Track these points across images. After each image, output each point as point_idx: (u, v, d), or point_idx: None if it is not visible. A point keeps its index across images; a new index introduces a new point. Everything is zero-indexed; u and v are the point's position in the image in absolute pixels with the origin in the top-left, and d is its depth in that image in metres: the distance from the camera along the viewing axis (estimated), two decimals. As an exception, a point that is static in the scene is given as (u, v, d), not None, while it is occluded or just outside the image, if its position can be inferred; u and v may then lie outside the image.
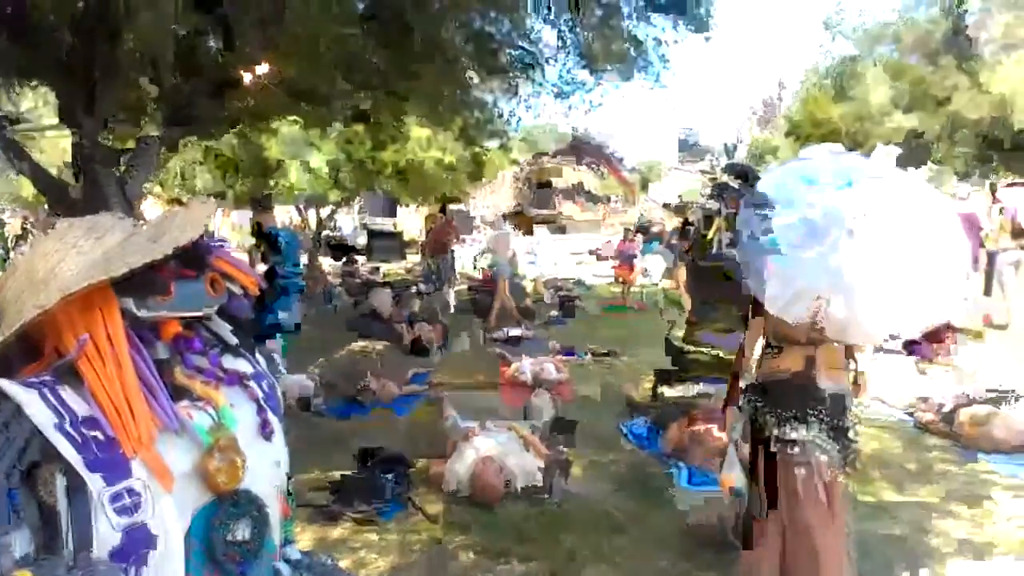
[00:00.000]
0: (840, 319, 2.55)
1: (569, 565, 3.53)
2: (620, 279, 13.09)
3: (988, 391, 5.37)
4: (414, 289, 12.51)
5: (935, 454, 4.79)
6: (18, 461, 1.04)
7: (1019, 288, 8.79)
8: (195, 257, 1.22)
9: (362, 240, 26.40)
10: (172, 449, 1.13)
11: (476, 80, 10.01)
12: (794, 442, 2.67)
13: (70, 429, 1.05)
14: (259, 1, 6.98)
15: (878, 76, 30.21)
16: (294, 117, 12.73)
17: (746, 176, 3.07)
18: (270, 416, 1.30)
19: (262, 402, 1.30)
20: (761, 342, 2.90)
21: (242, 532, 1.21)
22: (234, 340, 1.34)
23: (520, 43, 9.49)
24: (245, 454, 1.20)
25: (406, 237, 29.57)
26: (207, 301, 1.25)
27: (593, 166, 49.31)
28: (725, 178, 3.28)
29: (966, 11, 28.11)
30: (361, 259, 20.90)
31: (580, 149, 42.78)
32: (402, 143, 14.15)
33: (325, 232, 21.80)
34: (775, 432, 2.71)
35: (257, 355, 1.39)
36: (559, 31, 9.62)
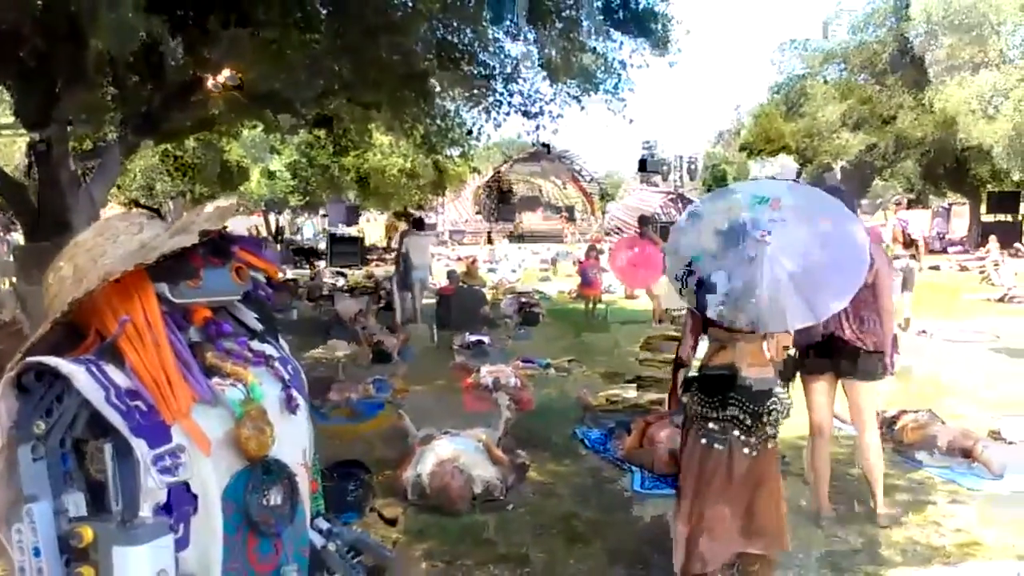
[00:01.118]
0: (754, 312, 2.96)
1: (527, 571, 3.58)
2: (585, 295, 13.01)
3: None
4: (379, 294, 12.50)
5: (884, 465, 4.90)
6: (69, 430, 1.14)
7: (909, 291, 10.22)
8: (221, 247, 1.31)
9: (323, 246, 26.17)
10: (207, 419, 1.22)
11: (438, 89, 10.08)
12: (717, 420, 3.11)
13: (115, 400, 1.14)
14: (222, 4, 6.96)
15: (827, 95, 30.99)
16: (255, 122, 12.65)
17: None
18: (295, 393, 1.40)
19: (287, 381, 1.40)
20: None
21: (275, 497, 1.29)
22: (259, 326, 1.44)
23: (482, 54, 9.58)
24: (274, 426, 1.28)
25: (367, 243, 29.34)
26: (233, 288, 1.34)
27: (553, 177, 49.64)
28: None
29: (913, 33, 29.05)
30: (321, 264, 20.75)
31: (541, 159, 43.00)
32: (364, 149, 14.14)
33: (287, 237, 21.60)
34: (700, 412, 3.15)
35: (280, 340, 1.49)
36: (523, 41, 9.74)
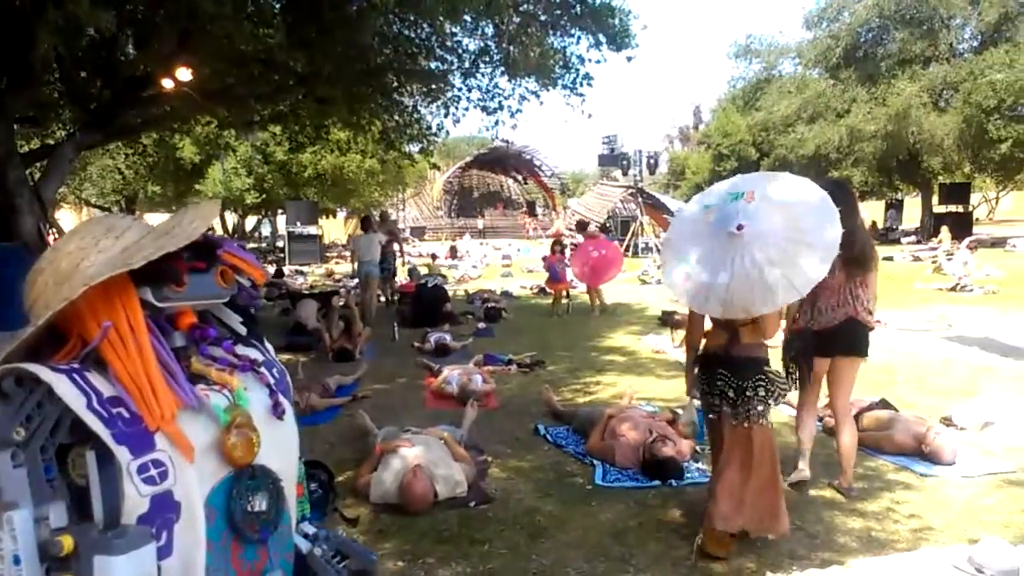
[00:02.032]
0: (741, 300, 3.26)
1: (489, 567, 3.57)
2: (551, 291, 13.03)
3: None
4: (339, 293, 12.39)
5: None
6: (51, 438, 1.12)
7: None
8: (205, 250, 1.29)
9: (281, 244, 25.86)
10: (191, 426, 1.20)
11: (396, 84, 10.00)
12: (710, 394, 3.59)
13: (97, 406, 1.12)
14: (173, -1, 6.81)
15: (783, 89, 31.50)
16: (209, 118, 12.43)
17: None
18: (281, 399, 1.39)
19: (273, 386, 1.38)
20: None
21: (259, 503, 1.28)
22: (244, 330, 1.42)
23: (439, 49, 9.52)
24: (260, 432, 1.28)
25: (327, 240, 29.02)
26: (218, 292, 1.32)
27: (514, 172, 49.73)
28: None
29: (865, 27, 29.63)
30: (272, 268, 20.46)
31: (501, 155, 43.03)
32: (321, 146, 13.98)
33: (245, 236, 21.31)
34: (701, 389, 3.66)
35: (266, 344, 1.47)
36: (480, 36, 9.70)
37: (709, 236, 3.40)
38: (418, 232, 38.12)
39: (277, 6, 8.00)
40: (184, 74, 8.28)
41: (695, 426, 5.26)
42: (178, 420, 1.18)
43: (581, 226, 12.08)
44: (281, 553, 1.36)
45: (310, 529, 1.53)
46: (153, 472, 1.13)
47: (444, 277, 16.11)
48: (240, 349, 1.38)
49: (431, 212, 47.51)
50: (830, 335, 4.23)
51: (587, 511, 4.18)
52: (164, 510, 1.15)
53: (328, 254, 27.85)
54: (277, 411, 1.36)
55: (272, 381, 1.38)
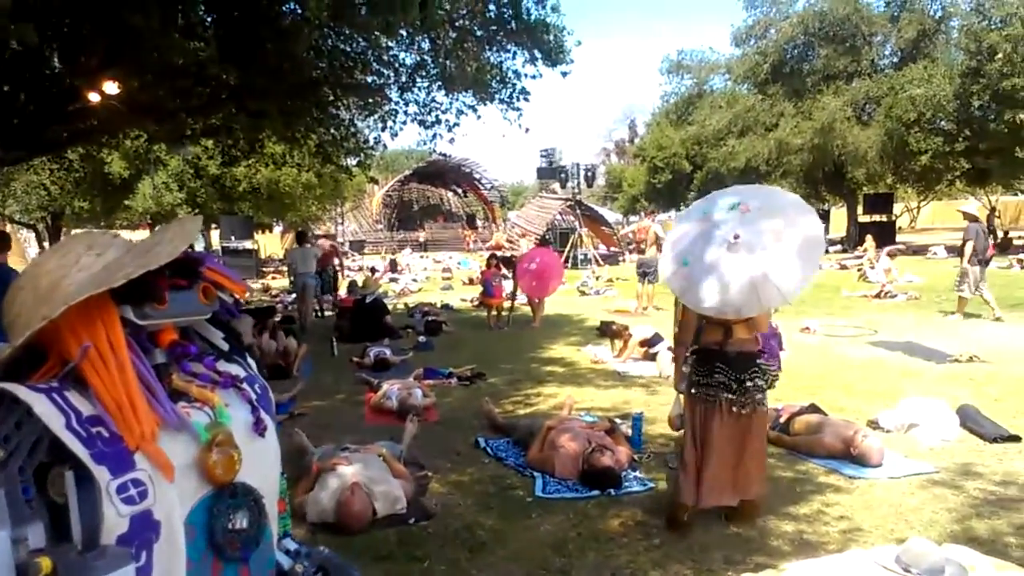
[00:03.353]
0: (736, 301, 3.59)
1: (429, 582, 3.55)
2: (488, 304, 13.00)
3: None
4: (275, 309, 12.17)
5: (771, 461, 5.06)
6: (29, 459, 1.10)
7: None
8: (187, 267, 1.28)
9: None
10: (172, 444, 1.19)
11: (332, 98, 9.92)
12: (708, 386, 3.93)
13: (76, 426, 1.11)
14: (99, 11, 6.63)
15: (714, 104, 32.37)
16: (138, 132, 12.12)
17: None
18: (263, 415, 1.38)
19: (255, 402, 1.38)
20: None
21: (240, 521, 1.28)
22: (226, 346, 1.42)
23: (376, 63, 9.49)
24: (241, 449, 1.27)
25: (263, 255, 28.49)
26: (200, 308, 1.32)
27: (454, 185, 49.75)
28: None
29: (791, 44, 30.66)
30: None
31: (441, 168, 43.00)
32: (256, 159, 13.76)
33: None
34: (696, 380, 4.00)
35: (248, 359, 1.48)
36: (417, 51, 9.71)
37: (707, 242, 3.69)
38: (357, 246, 37.72)
39: (208, 20, 7.86)
40: (112, 88, 8.05)
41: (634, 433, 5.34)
42: (158, 439, 1.17)
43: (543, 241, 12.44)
44: (263, 571, 1.36)
45: (292, 545, 1.54)
46: (133, 492, 1.13)
47: (385, 291, 15.99)
48: (222, 365, 1.38)
49: (370, 226, 47.13)
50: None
51: (527, 524, 4.19)
52: (144, 530, 1.14)
53: (264, 269, 27.33)
54: (259, 428, 1.36)
55: (254, 397, 1.39)
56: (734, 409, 3.89)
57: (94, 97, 8.13)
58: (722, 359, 3.91)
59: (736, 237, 3.57)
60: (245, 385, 1.38)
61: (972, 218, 11.78)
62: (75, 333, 1.16)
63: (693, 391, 4.04)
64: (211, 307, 1.33)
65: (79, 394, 1.14)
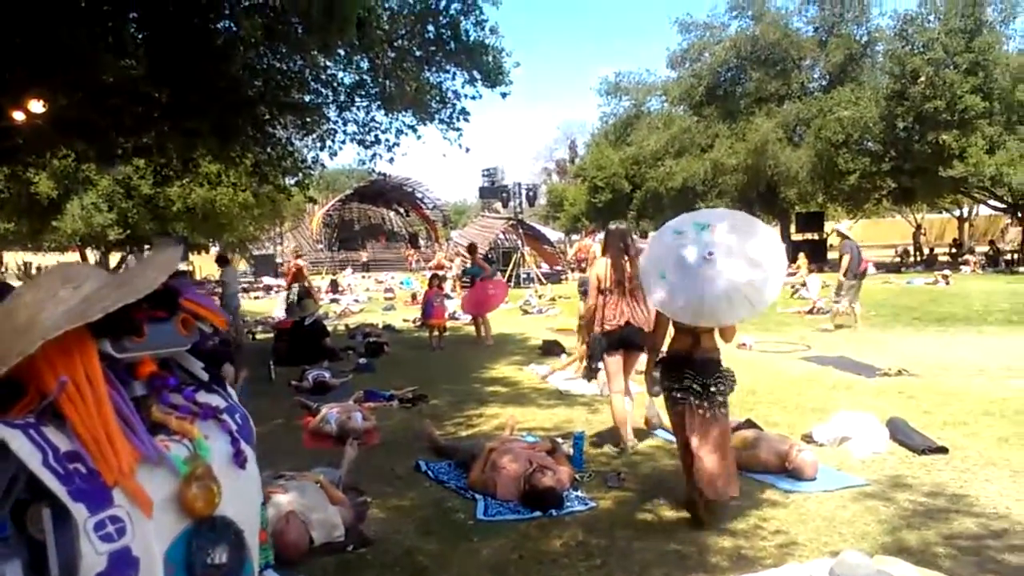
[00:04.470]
0: (708, 312, 4.04)
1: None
2: (430, 325, 12.94)
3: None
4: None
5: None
6: (6, 496, 1.09)
7: None
8: (166, 299, 1.28)
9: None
10: (151, 479, 1.18)
11: (268, 116, 9.77)
12: (680, 390, 4.26)
13: (53, 463, 1.09)
14: (23, 26, 6.41)
15: (651, 125, 33.07)
16: (66, 151, 11.74)
17: None
18: (243, 446, 1.37)
19: (235, 433, 1.36)
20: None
21: (220, 556, 1.26)
22: (206, 376, 1.41)
23: (313, 82, 9.40)
24: (221, 482, 1.26)
25: (198, 277, 27.82)
26: (179, 340, 1.31)
27: (396, 205, 49.52)
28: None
29: (724, 67, 31.56)
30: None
31: (383, 188, 42.74)
32: (190, 179, 13.45)
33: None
34: (666, 384, 4.36)
35: (228, 389, 1.45)
36: (355, 70, 9.65)
37: (682, 259, 4.04)
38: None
39: (139, 37, 7.67)
40: (37, 106, 7.78)
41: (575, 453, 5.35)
42: (137, 473, 1.16)
43: (472, 248, 12.55)
44: None
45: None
46: (111, 528, 1.11)
47: (325, 313, 15.75)
48: (201, 396, 1.37)
49: (311, 246, 46.51)
50: (615, 335, 5.79)
51: (469, 547, 4.14)
52: (123, 567, 1.13)
53: (200, 290, 26.65)
54: (239, 459, 1.35)
55: (234, 428, 1.37)
56: (700, 411, 4.22)
57: (18, 116, 7.85)
58: (690, 365, 4.27)
59: (710, 254, 3.95)
60: (225, 416, 1.37)
61: (845, 237, 13.21)
62: (52, 367, 1.15)
63: (667, 396, 4.38)
64: (190, 339, 1.34)
65: (57, 429, 1.13)
